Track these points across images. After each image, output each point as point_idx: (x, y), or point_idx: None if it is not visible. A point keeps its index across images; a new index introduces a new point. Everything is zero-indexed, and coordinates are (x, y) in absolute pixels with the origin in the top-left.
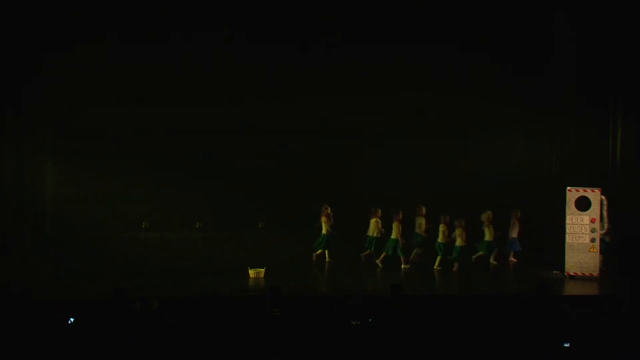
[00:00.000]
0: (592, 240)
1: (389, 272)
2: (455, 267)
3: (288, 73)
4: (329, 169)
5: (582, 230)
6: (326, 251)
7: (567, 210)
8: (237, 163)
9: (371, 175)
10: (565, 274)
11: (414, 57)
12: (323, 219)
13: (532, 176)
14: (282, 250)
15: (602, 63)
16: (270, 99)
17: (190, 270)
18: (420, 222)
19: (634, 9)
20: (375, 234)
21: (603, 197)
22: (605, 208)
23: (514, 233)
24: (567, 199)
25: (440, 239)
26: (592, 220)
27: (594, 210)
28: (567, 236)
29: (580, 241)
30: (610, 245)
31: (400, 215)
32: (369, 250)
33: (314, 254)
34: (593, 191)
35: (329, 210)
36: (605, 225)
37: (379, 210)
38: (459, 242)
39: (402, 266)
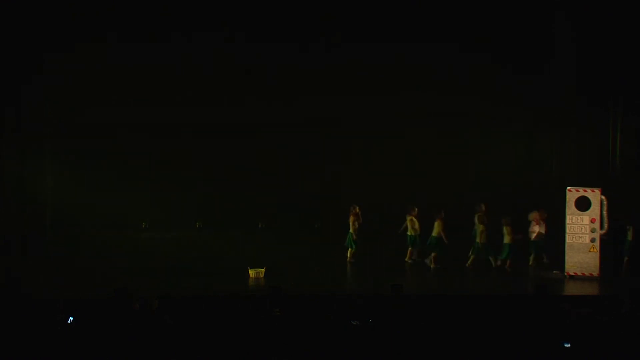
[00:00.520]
0: (592, 240)
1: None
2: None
3: (288, 73)
4: (329, 169)
5: (582, 230)
6: (349, 250)
7: (567, 210)
8: (237, 163)
9: (371, 175)
10: (565, 274)
11: (414, 57)
12: (351, 218)
13: (532, 176)
14: (282, 250)
15: (602, 63)
16: (270, 99)
17: (190, 270)
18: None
19: (634, 9)
20: (412, 233)
21: (603, 197)
22: (605, 208)
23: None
24: (567, 199)
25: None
26: (592, 220)
27: (594, 210)
28: (567, 236)
29: (580, 241)
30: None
31: (443, 214)
32: (410, 249)
33: (347, 255)
34: (593, 191)
35: (358, 210)
36: (605, 225)
37: (416, 209)
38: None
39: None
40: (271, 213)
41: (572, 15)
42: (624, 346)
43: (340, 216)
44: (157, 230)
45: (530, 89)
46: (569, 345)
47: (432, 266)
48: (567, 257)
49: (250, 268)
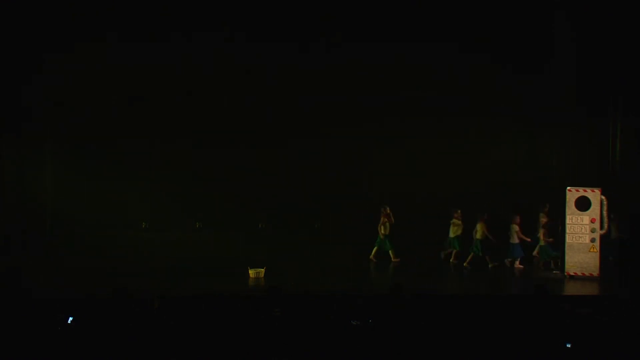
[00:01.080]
0: (592, 240)
1: (388, 273)
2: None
3: (288, 73)
4: (329, 169)
5: (582, 230)
6: (374, 249)
7: (567, 210)
8: (237, 163)
9: (371, 175)
10: (565, 274)
11: (414, 57)
12: (382, 219)
13: (532, 176)
14: (282, 250)
15: (602, 63)
16: (270, 99)
17: (190, 270)
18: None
19: (634, 9)
20: (453, 235)
21: (603, 197)
22: (605, 208)
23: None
24: (567, 199)
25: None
26: (592, 220)
27: (594, 210)
28: (567, 236)
29: (580, 241)
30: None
31: (486, 216)
32: (451, 250)
33: (391, 258)
34: (593, 191)
35: (389, 210)
36: (605, 225)
37: (459, 211)
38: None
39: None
40: (271, 213)
41: (572, 15)
42: (624, 346)
43: (340, 216)
44: (157, 230)
45: (530, 89)
46: (569, 345)
47: (489, 264)
48: (567, 257)
49: (250, 268)
